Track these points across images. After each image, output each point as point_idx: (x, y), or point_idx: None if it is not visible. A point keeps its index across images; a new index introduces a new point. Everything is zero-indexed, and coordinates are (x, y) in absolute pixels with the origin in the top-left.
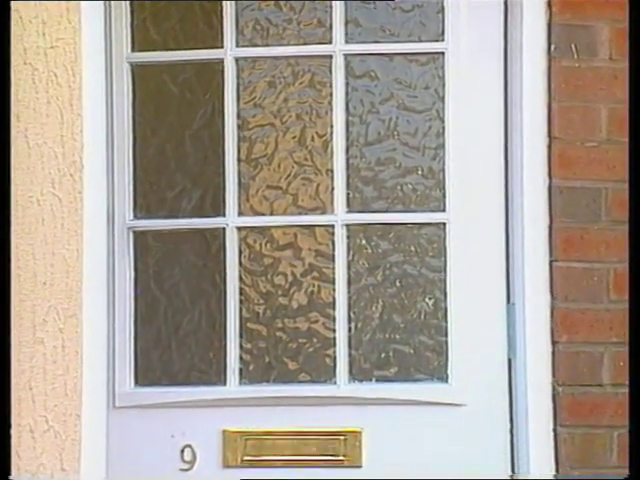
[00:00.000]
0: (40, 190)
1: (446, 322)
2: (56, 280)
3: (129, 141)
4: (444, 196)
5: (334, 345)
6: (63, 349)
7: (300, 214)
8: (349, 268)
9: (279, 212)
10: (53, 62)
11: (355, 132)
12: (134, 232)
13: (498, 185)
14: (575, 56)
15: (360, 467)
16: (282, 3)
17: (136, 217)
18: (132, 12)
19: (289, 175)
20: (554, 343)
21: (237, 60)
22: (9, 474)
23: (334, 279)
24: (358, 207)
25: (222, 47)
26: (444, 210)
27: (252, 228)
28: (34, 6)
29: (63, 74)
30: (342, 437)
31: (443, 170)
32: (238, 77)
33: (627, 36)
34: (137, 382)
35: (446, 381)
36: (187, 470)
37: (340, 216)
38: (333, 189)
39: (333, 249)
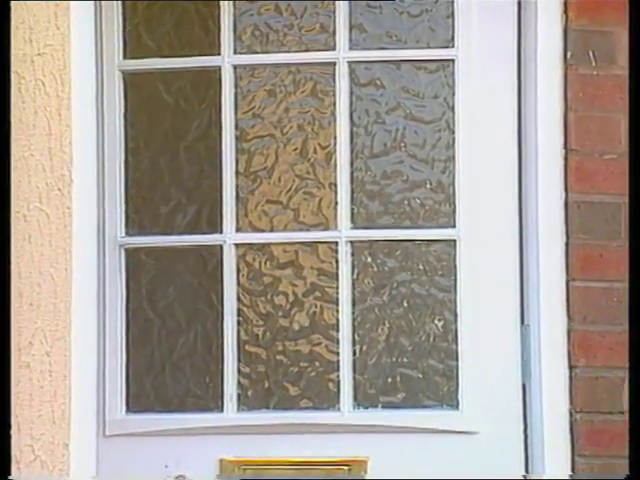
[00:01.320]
0: (27, 205)
1: (456, 345)
2: (43, 301)
3: (121, 153)
4: (454, 211)
5: (338, 369)
6: (50, 374)
7: (302, 230)
8: (353, 287)
9: (279, 228)
10: (40, 70)
11: (360, 144)
12: (126, 249)
13: (512, 200)
14: (593, 63)
15: None
16: (282, 7)
17: (128, 234)
18: (124, 17)
19: (290, 189)
20: (571, 368)
21: (235, 68)
22: (9, 474)
23: (338, 299)
24: (363, 223)
25: (219, 54)
26: (454, 226)
27: (251, 245)
28: (20, 11)
29: (51, 83)
30: (346, 467)
31: (453, 184)
32: (236, 86)
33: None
34: (129, 409)
35: (457, 408)
36: None
37: (344, 232)
38: (336, 204)
39: (337, 267)
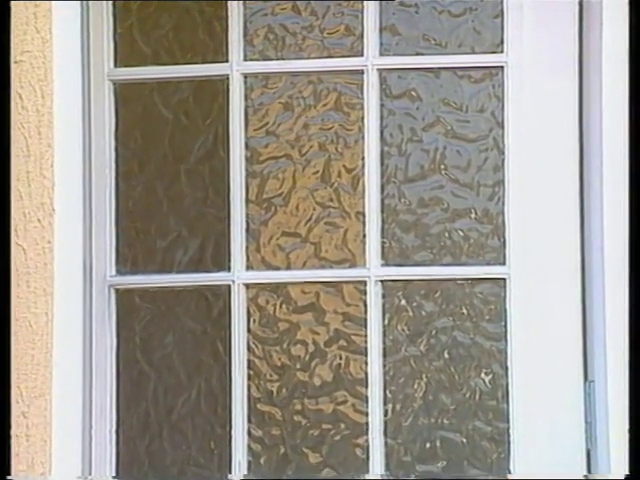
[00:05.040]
0: None
1: (507, 404)
2: (19, 352)
3: (111, 178)
4: (504, 245)
5: (366, 432)
6: (27, 438)
7: (323, 268)
8: (385, 335)
9: (297, 266)
10: (17, 80)
11: (392, 166)
12: (117, 290)
13: (572, 231)
14: None
15: None
16: (301, 6)
17: (119, 272)
18: (115, 18)
19: (310, 219)
20: None
21: (245, 77)
22: (9, 474)
23: (366, 349)
24: (396, 259)
25: (227, 61)
26: (504, 263)
27: (264, 285)
28: None
29: (30, 95)
30: None
31: (502, 213)
32: (246, 98)
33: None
34: (119, 479)
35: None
36: None
37: (373, 270)
38: (364, 237)
39: (365, 312)
